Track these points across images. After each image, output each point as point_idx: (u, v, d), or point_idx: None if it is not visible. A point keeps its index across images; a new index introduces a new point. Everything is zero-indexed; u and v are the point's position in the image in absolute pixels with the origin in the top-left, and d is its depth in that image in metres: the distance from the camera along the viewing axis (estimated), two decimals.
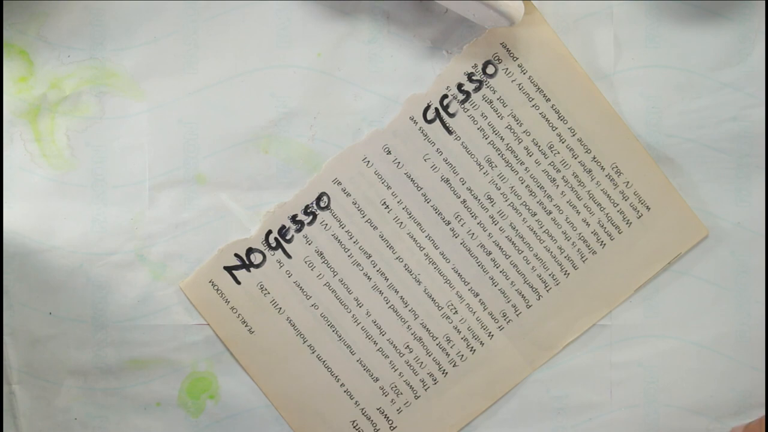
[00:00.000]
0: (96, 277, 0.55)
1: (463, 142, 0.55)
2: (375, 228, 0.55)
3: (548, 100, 0.55)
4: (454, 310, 0.56)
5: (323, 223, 0.55)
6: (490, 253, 0.56)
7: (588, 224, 0.56)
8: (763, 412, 0.56)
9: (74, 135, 0.54)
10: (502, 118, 0.55)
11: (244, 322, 0.55)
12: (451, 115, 0.55)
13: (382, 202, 0.55)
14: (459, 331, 0.56)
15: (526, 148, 0.55)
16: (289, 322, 0.56)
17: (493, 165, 0.55)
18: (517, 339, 0.56)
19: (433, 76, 0.55)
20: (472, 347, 0.56)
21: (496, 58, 0.55)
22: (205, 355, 0.55)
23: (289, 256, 0.55)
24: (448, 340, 0.56)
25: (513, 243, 0.56)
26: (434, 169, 0.55)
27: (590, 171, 0.56)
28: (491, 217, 0.55)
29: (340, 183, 0.55)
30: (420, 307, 0.56)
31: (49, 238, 0.55)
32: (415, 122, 0.55)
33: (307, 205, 0.55)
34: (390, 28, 0.54)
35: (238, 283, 0.55)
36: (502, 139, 0.55)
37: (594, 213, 0.56)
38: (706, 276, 0.56)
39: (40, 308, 0.55)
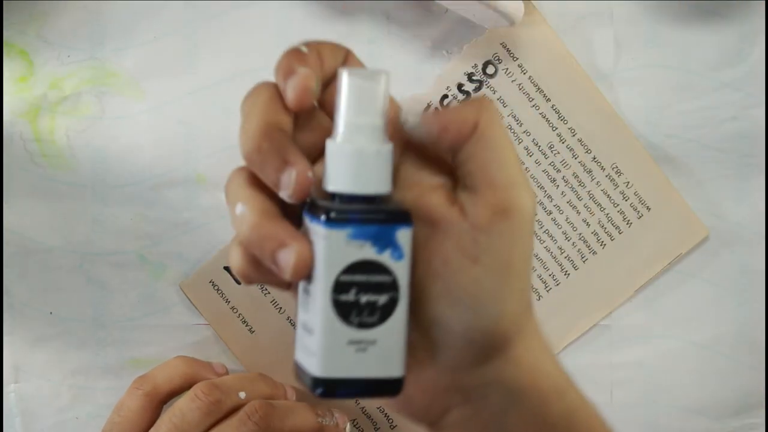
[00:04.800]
0: (96, 277, 0.55)
1: None
2: None
3: (548, 100, 0.55)
4: None
5: None
6: None
7: (588, 224, 0.56)
8: (763, 412, 0.56)
9: (74, 135, 0.54)
10: (502, 119, 0.55)
11: (245, 322, 0.55)
12: None
13: None
14: None
15: (526, 148, 0.55)
16: (290, 321, 0.56)
17: None
18: None
19: (434, 76, 0.55)
20: None
21: (496, 58, 0.55)
22: (206, 355, 0.55)
23: None
24: None
25: None
26: None
27: (590, 171, 0.56)
28: None
29: None
30: None
31: (49, 238, 0.55)
32: None
33: None
34: (390, 28, 0.54)
35: (239, 283, 0.55)
36: None
37: (594, 213, 0.56)
38: (706, 276, 0.56)
39: (40, 308, 0.55)
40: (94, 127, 0.54)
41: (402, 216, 0.36)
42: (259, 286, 0.55)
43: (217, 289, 0.55)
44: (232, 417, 0.49)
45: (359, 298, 0.35)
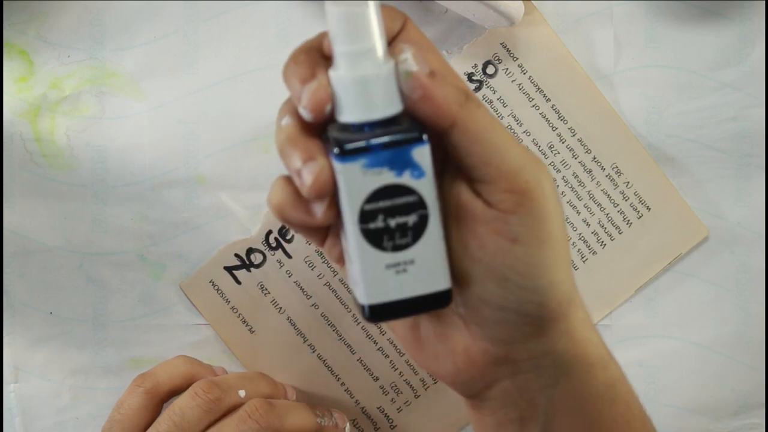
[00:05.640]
0: (96, 277, 0.55)
1: None
2: None
3: (548, 100, 0.55)
4: None
5: None
6: None
7: (588, 224, 0.56)
8: (763, 412, 0.56)
9: (74, 135, 0.54)
10: (502, 119, 0.55)
11: (245, 322, 0.55)
12: None
13: None
14: None
15: None
16: (290, 321, 0.56)
17: None
18: None
19: None
20: None
21: (496, 58, 0.55)
22: (206, 355, 0.55)
23: (289, 256, 0.55)
24: None
25: None
26: None
27: (590, 171, 0.56)
28: None
29: None
30: None
31: (49, 238, 0.55)
32: None
33: None
34: None
35: (239, 283, 0.55)
36: None
37: (594, 213, 0.56)
38: (707, 276, 0.56)
39: (40, 308, 0.55)
40: (94, 127, 0.54)
41: (415, 135, 0.35)
42: (258, 286, 0.55)
43: (217, 289, 0.55)
44: (232, 415, 0.49)
45: (388, 223, 0.36)
